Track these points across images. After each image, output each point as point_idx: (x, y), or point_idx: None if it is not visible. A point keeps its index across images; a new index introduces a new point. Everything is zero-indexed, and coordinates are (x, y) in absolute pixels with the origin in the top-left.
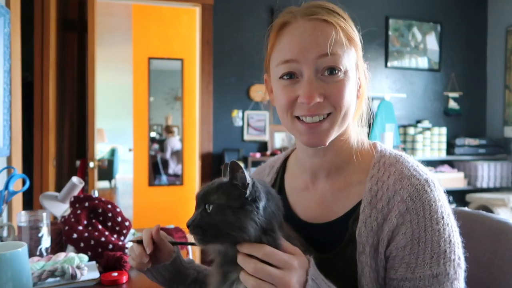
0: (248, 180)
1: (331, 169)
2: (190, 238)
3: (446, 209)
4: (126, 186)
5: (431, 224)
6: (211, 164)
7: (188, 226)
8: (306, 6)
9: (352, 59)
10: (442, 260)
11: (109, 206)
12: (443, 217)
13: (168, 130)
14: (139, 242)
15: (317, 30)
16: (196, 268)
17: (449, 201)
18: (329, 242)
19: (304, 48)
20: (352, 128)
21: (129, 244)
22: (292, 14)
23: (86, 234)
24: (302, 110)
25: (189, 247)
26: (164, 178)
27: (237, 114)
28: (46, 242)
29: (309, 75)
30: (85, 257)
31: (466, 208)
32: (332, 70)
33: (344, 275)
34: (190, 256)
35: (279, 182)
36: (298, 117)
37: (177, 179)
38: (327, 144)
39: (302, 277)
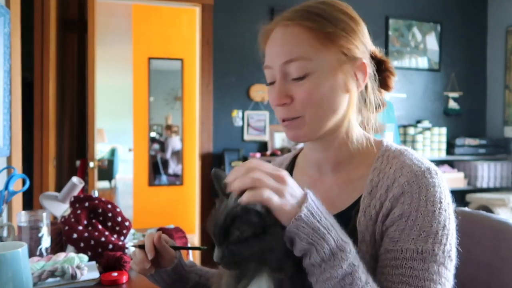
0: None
1: (335, 163)
2: (190, 238)
3: (445, 196)
4: (126, 186)
5: (426, 205)
6: (211, 164)
7: (218, 263)
8: (290, 10)
9: (331, 59)
10: (430, 240)
11: (109, 206)
12: (440, 202)
13: (170, 129)
14: (141, 246)
15: (288, 36)
16: (198, 272)
17: None
18: None
19: (274, 54)
20: (355, 122)
21: (129, 244)
22: (275, 21)
23: (86, 234)
24: (278, 112)
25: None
26: (164, 178)
27: (237, 114)
28: (46, 242)
29: (278, 79)
30: (85, 257)
31: (466, 208)
32: (298, 77)
33: None
34: (191, 258)
35: None
36: None
37: (177, 179)
38: (308, 140)
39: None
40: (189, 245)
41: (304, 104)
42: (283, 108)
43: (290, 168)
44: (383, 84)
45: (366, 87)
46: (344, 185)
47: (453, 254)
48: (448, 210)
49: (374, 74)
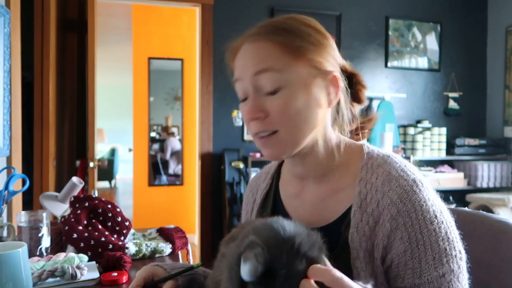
0: None
1: (317, 176)
2: (190, 238)
3: (437, 207)
4: (126, 186)
5: (426, 225)
6: (211, 164)
7: None
8: (257, 26)
9: (302, 73)
10: (444, 259)
11: (109, 206)
12: (436, 216)
13: (167, 131)
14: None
15: (256, 49)
16: (202, 274)
17: (449, 200)
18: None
19: (244, 66)
20: (331, 135)
21: (129, 245)
22: (242, 38)
23: (86, 234)
24: (252, 127)
25: (190, 247)
26: (164, 178)
27: (237, 114)
28: (46, 242)
29: (251, 92)
30: (85, 257)
31: (466, 208)
32: (271, 90)
33: None
34: (190, 256)
35: (274, 188)
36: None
37: (177, 179)
38: (286, 157)
39: None
40: (189, 245)
41: (279, 118)
42: (257, 123)
43: (277, 177)
44: (355, 97)
45: (338, 101)
46: (329, 196)
47: (463, 254)
48: (444, 219)
49: (346, 88)
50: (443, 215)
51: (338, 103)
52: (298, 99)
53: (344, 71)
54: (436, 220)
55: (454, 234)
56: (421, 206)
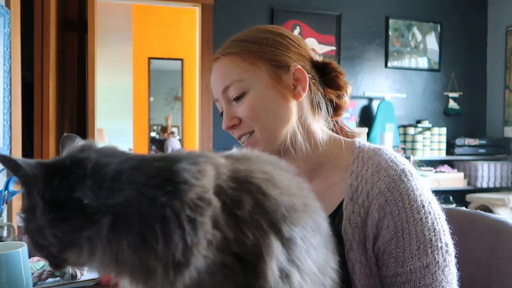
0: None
1: (308, 172)
2: None
3: (426, 197)
4: None
5: (412, 214)
6: None
7: None
8: (223, 44)
9: (263, 74)
10: (429, 250)
11: None
12: (423, 206)
13: (166, 131)
14: None
15: (220, 68)
16: None
17: (449, 201)
18: None
19: (215, 87)
20: (314, 128)
21: None
22: (213, 59)
23: None
24: (234, 134)
25: None
26: None
27: None
28: None
29: (224, 106)
30: None
31: (464, 208)
32: (237, 97)
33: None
34: None
35: None
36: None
37: None
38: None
39: None
40: None
41: (250, 120)
42: (235, 129)
43: None
44: (334, 85)
45: (312, 91)
46: (323, 191)
47: (450, 247)
48: (431, 210)
49: (320, 79)
50: (432, 206)
51: (314, 94)
52: (263, 98)
53: (316, 63)
54: (423, 210)
55: (441, 226)
56: (409, 196)
